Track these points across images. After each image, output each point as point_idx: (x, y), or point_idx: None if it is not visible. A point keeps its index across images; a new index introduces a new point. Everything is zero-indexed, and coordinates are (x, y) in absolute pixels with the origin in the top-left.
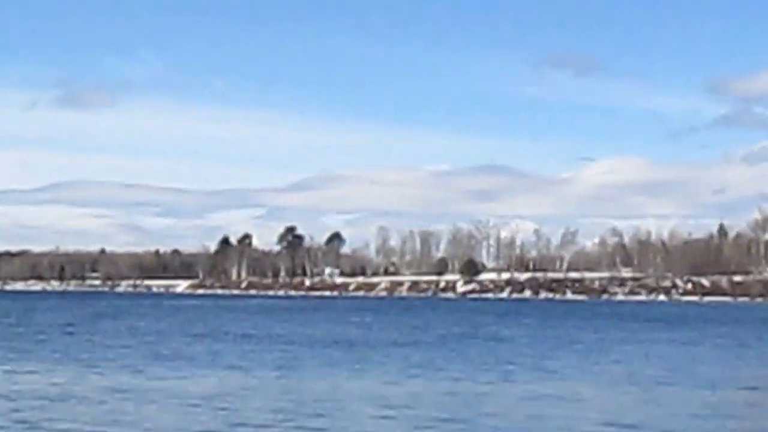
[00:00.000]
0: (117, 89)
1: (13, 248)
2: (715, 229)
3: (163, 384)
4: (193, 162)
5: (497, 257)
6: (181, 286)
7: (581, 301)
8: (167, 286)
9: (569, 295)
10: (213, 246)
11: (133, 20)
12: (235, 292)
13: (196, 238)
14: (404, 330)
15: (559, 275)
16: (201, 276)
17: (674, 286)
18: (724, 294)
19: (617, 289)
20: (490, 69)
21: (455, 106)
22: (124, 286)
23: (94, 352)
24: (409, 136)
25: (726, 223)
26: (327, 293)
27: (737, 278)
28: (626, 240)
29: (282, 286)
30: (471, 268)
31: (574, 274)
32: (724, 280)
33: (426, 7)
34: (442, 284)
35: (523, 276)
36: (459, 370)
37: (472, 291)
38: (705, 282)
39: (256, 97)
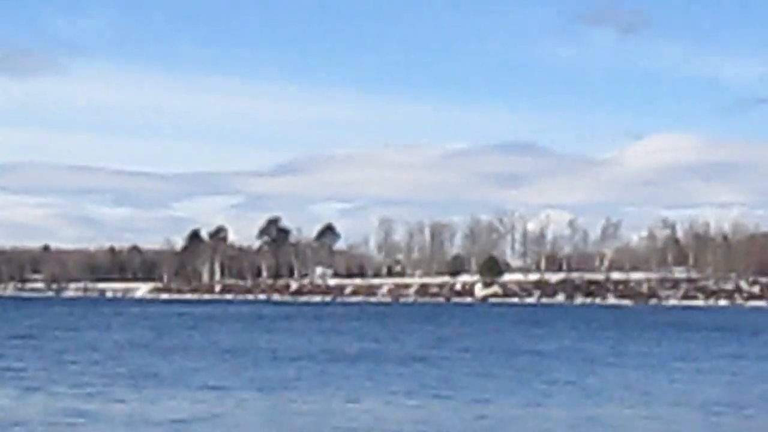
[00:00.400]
0: (62, 53)
1: None
2: None
3: (123, 408)
4: (154, 140)
5: (524, 254)
6: (142, 290)
7: (625, 307)
8: (125, 290)
9: (611, 300)
10: (180, 241)
11: None
12: (208, 297)
13: (159, 232)
14: (414, 342)
15: (599, 276)
16: (165, 278)
17: (738, 289)
18: None
19: (669, 293)
20: (515, 26)
21: (473, 71)
22: (72, 290)
23: (39, 371)
24: (417, 108)
25: None
26: (318, 298)
27: None
28: (680, 233)
29: (264, 290)
30: (492, 268)
31: (616, 275)
32: None
33: None
34: (458, 287)
35: (556, 277)
36: (482, 390)
37: (494, 295)
38: None
39: (231, 61)
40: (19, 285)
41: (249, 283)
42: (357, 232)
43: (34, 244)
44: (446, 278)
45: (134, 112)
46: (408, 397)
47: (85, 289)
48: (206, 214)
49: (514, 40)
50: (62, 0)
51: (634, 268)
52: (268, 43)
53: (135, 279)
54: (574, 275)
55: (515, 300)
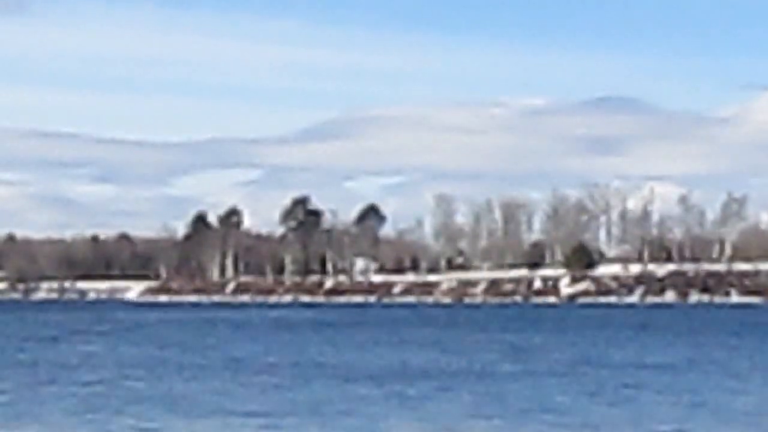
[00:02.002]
0: None
1: None
2: None
3: None
4: (147, 98)
5: (622, 240)
6: (133, 290)
7: (754, 306)
8: (111, 291)
9: (734, 298)
10: (181, 228)
11: None
12: (217, 298)
13: (155, 217)
14: (491, 352)
15: (719, 267)
16: (164, 275)
17: None
18: None
19: None
20: None
21: (550, 6)
22: (44, 290)
23: (11, 394)
24: (481, 55)
25: None
26: (359, 299)
27: None
28: None
29: (289, 290)
30: (582, 259)
31: (741, 265)
32: None
33: None
34: (538, 284)
35: (663, 269)
36: (589, 412)
37: (584, 293)
38: None
39: None
40: None
41: (270, 280)
42: (408, 215)
43: None
44: (523, 272)
45: (120, 61)
46: (506, 421)
47: (62, 290)
48: (214, 193)
49: None
50: None
51: (764, 257)
52: None
53: (124, 276)
54: (687, 266)
55: (612, 299)
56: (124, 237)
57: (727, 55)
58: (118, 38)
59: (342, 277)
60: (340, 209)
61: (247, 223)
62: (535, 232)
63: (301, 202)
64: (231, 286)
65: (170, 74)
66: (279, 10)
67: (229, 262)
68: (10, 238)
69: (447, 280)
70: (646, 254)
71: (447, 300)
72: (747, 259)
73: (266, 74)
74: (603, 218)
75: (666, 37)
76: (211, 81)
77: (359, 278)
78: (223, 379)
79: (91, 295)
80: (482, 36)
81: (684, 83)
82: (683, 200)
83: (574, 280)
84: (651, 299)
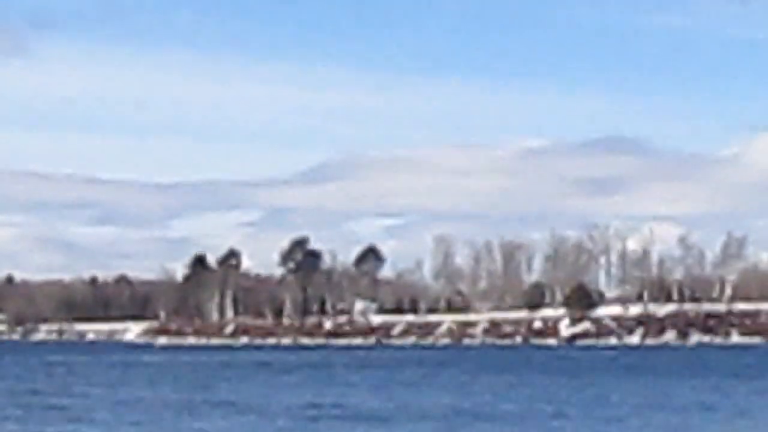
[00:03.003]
0: (24, 28)
1: None
2: None
3: None
4: (145, 139)
5: (622, 281)
6: (132, 331)
7: (754, 347)
8: (111, 332)
9: (735, 338)
10: (180, 270)
11: None
12: (216, 340)
13: (154, 258)
14: (491, 393)
15: (720, 307)
16: (162, 316)
17: None
18: None
19: None
20: None
21: (552, 47)
22: (43, 332)
23: None
24: (481, 96)
25: None
26: (358, 341)
27: None
28: None
29: (288, 331)
30: (582, 299)
31: (742, 305)
32: None
33: None
34: (538, 325)
35: (664, 309)
36: None
37: (584, 335)
38: None
39: (243, 38)
40: None
41: (269, 322)
42: (407, 256)
43: None
44: (522, 313)
45: (120, 104)
46: None
47: (60, 331)
48: (213, 235)
49: (605, 9)
50: None
51: (765, 297)
52: (286, 16)
53: (123, 318)
54: (688, 307)
55: (612, 340)
56: (123, 279)
57: (726, 96)
58: (118, 80)
59: (341, 319)
60: (339, 250)
61: (246, 264)
62: (534, 273)
63: (300, 243)
64: (230, 328)
65: (169, 116)
66: (278, 52)
67: (228, 303)
68: (9, 280)
69: (446, 321)
70: (646, 295)
71: (446, 341)
72: (747, 300)
73: (265, 116)
74: (603, 259)
75: (665, 78)
76: (210, 123)
77: (359, 319)
78: (219, 421)
79: (90, 337)
80: (481, 78)
81: (683, 124)
82: (683, 241)
83: (574, 321)
84: (651, 340)
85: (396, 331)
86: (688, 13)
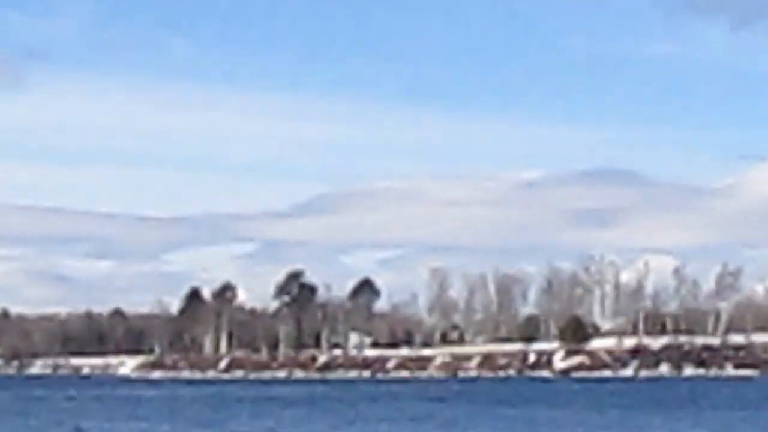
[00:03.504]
0: (21, 61)
1: None
2: None
3: None
4: (140, 172)
5: (617, 314)
6: (128, 365)
7: (749, 379)
8: (106, 366)
9: (730, 371)
10: (175, 303)
11: None
12: (212, 374)
13: (149, 292)
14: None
15: (714, 340)
16: (157, 350)
17: None
18: None
19: None
20: (600, 19)
21: (547, 79)
22: (39, 366)
23: None
24: (475, 128)
25: None
26: (353, 374)
27: None
28: None
29: (283, 365)
30: (576, 332)
31: (737, 338)
32: None
33: None
34: (533, 358)
35: (658, 342)
36: None
37: (579, 367)
38: None
39: (238, 69)
40: None
41: (264, 355)
42: (402, 289)
43: None
44: (517, 346)
45: (115, 137)
46: None
47: (56, 366)
48: (208, 269)
49: (600, 39)
50: None
51: (760, 329)
52: (282, 50)
53: (119, 352)
54: (682, 339)
55: (606, 373)
56: (118, 313)
57: (721, 128)
58: (113, 114)
59: (336, 352)
60: (334, 283)
61: (241, 298)
62: (529, 305)
63: (295, 276)
64: (225, 362)
65: (164, 149)
66: (273, 85)
67: (223, 337)
68: (5, 314)
69: (441, 354)
70: (640, 327)
71: (441, 374)
72: (742, 332)
73: (260, 149)
74: (597, 291)
75: (660, 110)
76: (204, 156)
77: (353, 353)
78: None
79: (86, 371)
80: (476, 110)
81: (677, 155)
82: (678, 272)
83: (569, 354)
84: (646, 372)
85: (391, 364)
86: (683, 45)
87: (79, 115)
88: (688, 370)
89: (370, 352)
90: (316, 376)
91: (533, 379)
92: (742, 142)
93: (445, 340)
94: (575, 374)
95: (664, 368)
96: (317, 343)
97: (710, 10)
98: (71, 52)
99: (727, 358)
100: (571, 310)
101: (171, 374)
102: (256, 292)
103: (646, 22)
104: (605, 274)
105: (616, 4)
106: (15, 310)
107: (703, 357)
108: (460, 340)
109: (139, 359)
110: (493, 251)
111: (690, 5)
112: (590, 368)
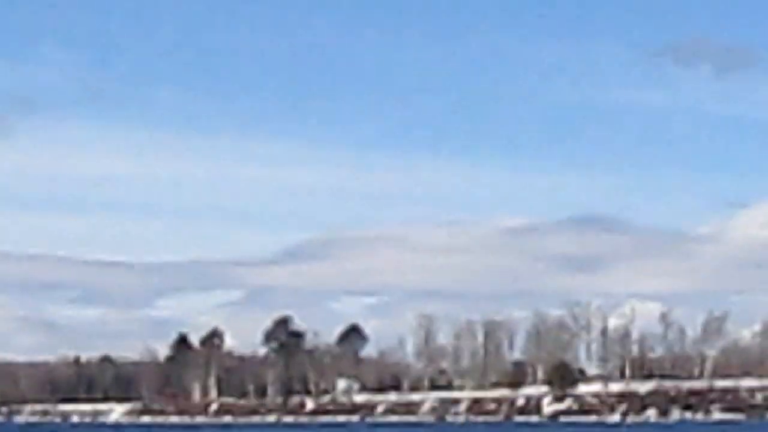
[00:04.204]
0: (10, 108)
1: None
2: None
3: None
4: (128, 219)
5: (603, 359)
6: (116, 412)
7: (735, 423)
8: (95, 413)
9: (716, 415)
10: (163, 350)
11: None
12: (201, 420)
13: (138, 338)
14: None
15: (701, 384)
16: (146, 397)
17: None
18: None
19: None
20: (582, 65)
21: (531, 125)
22: (27, 413)
23: None
24: (461, 176)
25: None
26: (342, 419)
27: None
28: None
29: (272, 410)
30: (564, 377)
31: (723, 382)
32: None
33: None
34: (520, 402)
35: (645, 387)
36: None
37: (567, 412)
38: None
39: (225, 116)
40: None
41: (253, 401)
42: (389, 335)
43: None
44: (505, 391)
45: (102, 184)
46: None
47: (44, 413)
48: (196, 315)
49: (583, 86)
50: (7, 42)
51: (746, 374)
52: (267, 95)
53: (107, 399)
54: (669, 384)
55: (593, 418)
56: (106, 359)
57: (706, 174)
58: (101, 161)
59: (325, 398)
60: (322, 329)
61: (229, 344)
62: (516, 350)
63: (283, 322)
64: (214, 407)
65: (151, 197)
66: (259, 132)
67: (211, 383)
68: None
69: (429, 399)
70: (627, 372)
71: (429, 419)
72: (728, 376)
73: (247, 196)
74: (584, 337)
75: (643, 156)
76: (192, 204)
77: (342, 398)
78: None
79: (74, 418)
80: (461, 158)
81: (662, 201)
82: (664, 318)
83: (557, 399)
84: (633, 418)
85: (379, 409)
86: (667, 92)
87: (67, 163)
88: (675, 415)
89: (359, 398)
90: (305, 420)
91: (522, 424)
92: (726, 188)
93: (433, 385)
94: (563, 419)
95: (651, 413)
96: (306, 389)
97: (693, 58)
98: (58, 101)
99: (713, 402)
100: (558, 355)
101: (160, 420)
102: (244, 338)
103: (629, 70)
104: (592, 319)
105: (600, 52)
106: (3, 356)
107: (690, 401)
108: (448, 386)
109: (128, 406)
110: (480, 297)
111: (673, 53)
112: (578, 413)
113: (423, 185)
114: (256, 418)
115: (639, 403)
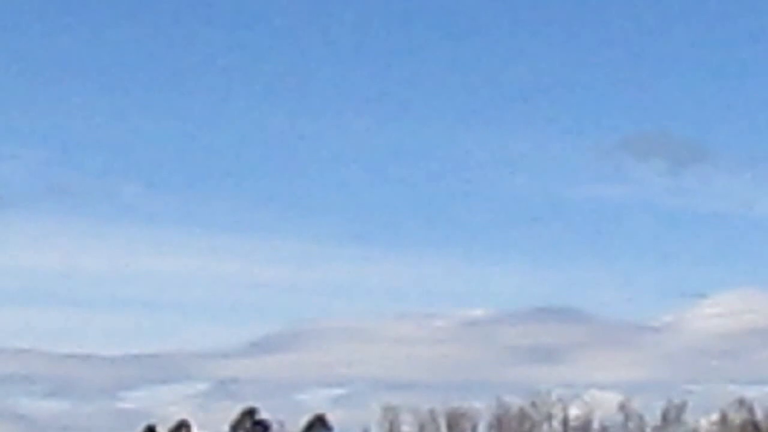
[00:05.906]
0: None
1: None
2: None
3: None
4: (96, 314)
5: None
6: None
7: None
8: None
9: None
10: None
11: None
12: None
13: (106, 430)
14: None
15: None
16: None
17: None
18: None
19: None
20: (543, 161)
21: (491, 220)
22: None
23: None
24: (422, 268)
25: None
26: None
27: None
28: (759, 415)
29: None
30: None
31: None
32: None
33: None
34: None
35: None
36: None
37: None
38: None
39: (190, 211)
40: None
41: None
42: (354, 424)
43: None
44: None
45: (69, 278)
46: None
47: None
48: (164, 406)
49: (544, 179)
50: None
51: None
52: (228, 190)
53: None
54: None
55: None
56: None
57: (661, 266)
58: (63, 255)
59: None
60: (288, 420)
61: None
62: None
63: (249, 413)
64: None
65: (117, 290)
66: (222, 227)
67: None
68: None
69: None
70: None
71: None
72: None
73: (211, 290)
74: (546, 427)
75: (600, 248)
76: (157, 297)
77: None
78: None
79: None
80: (420, 251)
81: (621, 292)
82: (623, 407)
83: None
84: None
85: None
86: (622, 186)
87: (32, 257)
88: None
89: None
90: None
91: None
92: (681, 280)
93: None
94: None
95: None
96: None
97: (647, 154)
98: (22, 196)
99: None
100: None
101: None
102: (211, 429)
103: (588, 164)
104: (553, 409)
105: (555, 147)
106: None
107: None
108: None
109: None
110: (442, 387)
111: (626, 149)
112: None
113: (383, 279)
114: None
115: None
